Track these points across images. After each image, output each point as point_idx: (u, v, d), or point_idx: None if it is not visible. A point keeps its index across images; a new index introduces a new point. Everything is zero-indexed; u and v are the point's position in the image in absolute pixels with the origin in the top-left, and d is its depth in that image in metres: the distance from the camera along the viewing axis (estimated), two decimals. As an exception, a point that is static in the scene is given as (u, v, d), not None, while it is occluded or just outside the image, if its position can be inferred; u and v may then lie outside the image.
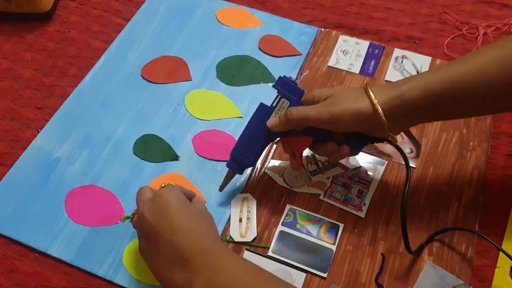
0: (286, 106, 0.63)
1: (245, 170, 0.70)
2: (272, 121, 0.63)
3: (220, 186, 0.68)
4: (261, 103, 0.64)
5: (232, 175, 0.67)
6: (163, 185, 0.60)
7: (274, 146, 0.73)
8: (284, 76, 0.64)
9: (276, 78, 0.81)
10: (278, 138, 0.67)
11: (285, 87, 0.63)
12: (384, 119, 0.57)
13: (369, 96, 0.57)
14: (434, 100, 0.56)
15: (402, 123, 0.60)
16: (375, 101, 0.57)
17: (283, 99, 0.63)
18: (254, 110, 0.65)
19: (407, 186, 0.59)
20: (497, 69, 0.55)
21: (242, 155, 0.65)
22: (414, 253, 0.62)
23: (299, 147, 0.65)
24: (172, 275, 0.51)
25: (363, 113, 0.57)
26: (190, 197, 0.61)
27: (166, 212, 0.54)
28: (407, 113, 0.58)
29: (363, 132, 0.61)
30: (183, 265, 0.51)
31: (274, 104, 0.64)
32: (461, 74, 0.56)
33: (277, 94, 0.64)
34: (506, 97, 0.57)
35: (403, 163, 0.70)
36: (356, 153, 0.65)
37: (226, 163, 0.67)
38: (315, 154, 0.71)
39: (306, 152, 0.72)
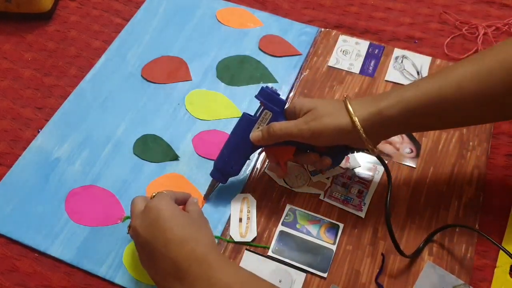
0: (269, 118, 0.63)
1: (245, 170, 0.70)
2: (255, 135, 0.63)
3: (204, 195, 0.68)
4: (244, 114, 0.64)
5: (216, 184, 0.68)
6: (154, 194, 0.60)
7: (274, 146, 0.73)
8: (266, 87, 0.64)
9: (276, 78, 0.81)
10: (262, 148, 0.67)
11: (267, 98, 0.63)
12: (364, 135, 0.58)
13: (349, 112, 0.59)
14: (413, 116, 0.58)
15: (382, 136, 0.62)
16: (355, 118, 0.58)
17: (265, 111, 0.63)
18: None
19: (389, 194, 0.60)
20: (472, 85, 0.56)
21: (226, 165, 0.65)
22: (410, 257, 0.62)
23: (283, 157, 0.66)
24: (171, 286, 0.52)
25: (344, 129, 0.59)
26: (184, 200, 0.61)
27: (157, 224, 0.54)
28: (386, 128, 0.59)
29: (342, 145, 0.63)
30: (180, 278, 0.51)
31: (257, 115, 0.64)
32: (438, 90, 0.57)
33: (259, 104, 0.64)
34: (482, 112, 0.58)
35: (403, 163, 0.71)
36: (337, 164, 0.66)
37: (209, 172, 0.67)
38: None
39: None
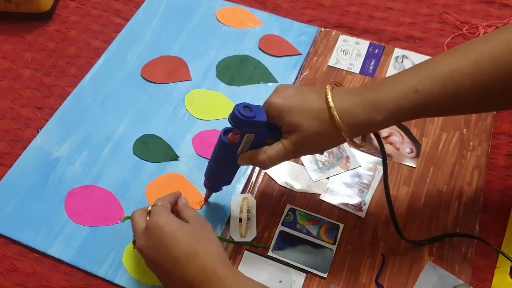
0: (251, 139, 0.57)
1: (245, 170, 0.70)
2: (244, 162, 0.59)
3: (201, 204, 0.67)
4: (220, 139, 0.58)
5: (210, 194, 0.67)
6: (149, 208, 0.58)
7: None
8: (238, 111, 0.55)
9: (276, 77, 0.81)
10: None
11: (244, 125, 0.55)
12: (347, 138, 0.54)
13: (332, 117, 0.53)
14: (406, 116, 0.54)
15: (364, 131, 0.57)
16: (337, 120, 0.53)
17: (247, 135, 0.56)
18: None
19: (385, 170, 0.59)
20: (469, 84, 0.53)
21: (216, 179, 0.64)
22: (409, 242, 0.62)
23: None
24: None
25: (329, 140, 0.56)
26: (175, 199, 0.61)
27: (162, 244, 0.53)
28: (369, 127, 0.55)
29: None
30: None
31: (238, 141, 0.57)
32: (436, 91, 0.53)
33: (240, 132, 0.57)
34: (478, 104, 0.56)
35: (403, 163, 0.71)
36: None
37: (203, 182, 0.65)
38: (316, 154, 0.71)
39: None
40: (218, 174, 0.63)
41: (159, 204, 0.58)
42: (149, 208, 0.58)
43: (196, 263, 0.51)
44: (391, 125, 0.58)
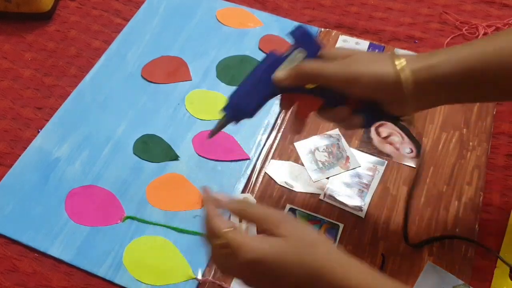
0: (300, 59, 0.54)
1: (245, 170, 0.70)
2: (280, 73, 0.53)
3: (211, 132, 0.59)
4: (271, 52, 0.55)
5: (225, 123, 0.58)
6: (223, 240, 0.46)
7: (274, 146, 0.73)
8: (301, 26, 0.54)
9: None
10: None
11: (303, 38, 0.53)
12: (408, 88, 0.49)
13: (393, 62, 0.50)
14: (468, 77, 0.50)
15: (427, 100, 0.52)
16: (401, 66, 0.49)
17: (298, 49, 0.54)
18: None
19: (418, 174, 0.56)
20: None
21: (241, 102, 0.56)
22: (412, 246, 0.62)
23: (306, 109, 0.57)
24: None
25: (385, 79, 0.50)
26: (239, 208, 0.51)
27: (272, 278, 0.45)
28: (436, 88, 0.51)
29: (378, 103, 0.53)
30: None
31: (286, 55, 0.54)
32: (496, 50, 0.50)
33: (291, 45, 0.55)
34: None
35: (404, 163, 0.71)
36: (368, 126, 0.57)
37: (222, 108, 0.57)
38: (315, 153, 0.71)
39: (307, 150, 0.72)
40: (248, 94, 0.55)
41: (227, 230, 0.47)
42: (220, 241, 0.47)
43: (322, 283, 0.44)
44: (449, 98, 0.53)
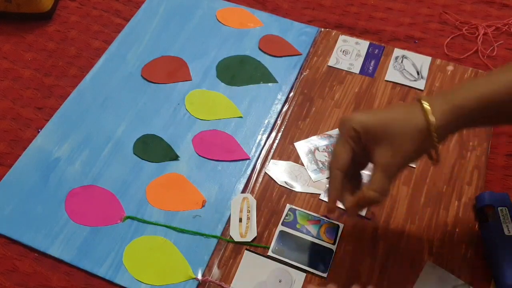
0: (506, 212, 0.62)
1: (245, 170, 0.70)
2: (354, 210, 0.56)
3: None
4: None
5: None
6: None
7: (274, 146, 0.73)
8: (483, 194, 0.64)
9: (276, 78, 0.81)
10: None
11: (491, 200, 0.63)
12: (436, 140, 0.52)
13: (424, 112, 0.51)
14: (487, 108, 0.52)
15: (451, 132, 0.55)
16: (432, 119, 0.51)
17: (499, 209, 0.62)
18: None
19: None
20: None
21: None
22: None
23: None
24: None
25: (417, 139, 0.52)
26: None
27: None
28: (455, 124, 0.53)
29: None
30: None
31: (493, 220, 0.62)
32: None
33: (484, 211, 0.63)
34: None
35: (403, 163, 0.71)
36: None
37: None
38: (315, 153, 0.71)
39: (307, 150, 0.72)
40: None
41: None
42: None
43: None
44: (474, 125, 0.56)
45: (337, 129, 0.73)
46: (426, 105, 0.51)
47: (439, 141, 0.52)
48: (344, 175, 0.55)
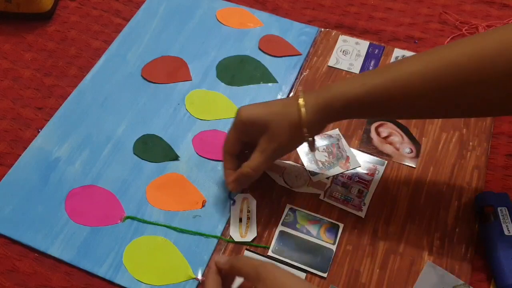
0: (506, 212, 0.62)
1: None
2: (234, 184, 0.65)
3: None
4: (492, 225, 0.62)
5: None
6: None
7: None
8: (484, 193, 0.66)
9: (276, 78, 0.81)
10: None
11: (491, 200, 0.64)
12: (306, 134, 0.60)
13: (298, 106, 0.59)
14: (355, 111, 0.58)
15: (322, 127, 0.62)
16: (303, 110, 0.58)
17: (499, 209, 0.63)
18: None
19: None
20: (418, 83, 0.54)
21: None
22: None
23: None
24: None
25: (292, 133, 0.60)
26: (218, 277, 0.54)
27: None
28: (327, 119, 0.60)
29: None
30: None
31: (493, 220, 0.62)
32: (383, 86, 0.55)
33: (483, 210, 0.64)
34: (428, 106, 0.57)
35: (404, 163, 0.71)
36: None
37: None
38: (315, 153, 0.71)
39: (307, 150, 0.72)
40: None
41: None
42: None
43: None
44: (345, 118, 0.61)
45: (337, 129, 0.74)
46: (301, 101, 0.59)
47: (309, 135, 0.60)
48: (232, 156, 0.65)
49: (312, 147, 0.62)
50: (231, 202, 0.67)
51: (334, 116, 0.59)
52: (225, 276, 0.53)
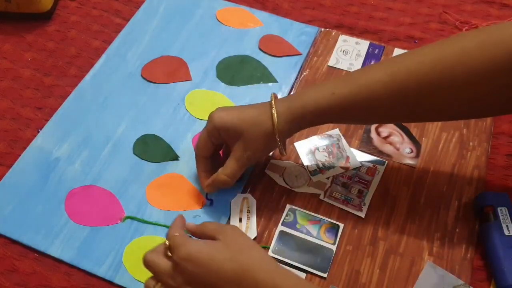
0: (506, 212, 0.62)
1: (246, 171, 0.70)
2: (211, 188, 0.66)
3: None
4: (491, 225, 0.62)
5: None
6: (167, 243, 0.52)
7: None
8: (483, 194, 0.65)
9: (276, 78, 0.81)
10: None
11: (491, 200, 0.64)
12: (278, 139, 0.61)
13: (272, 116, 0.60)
14: (326, 117, 0.60)
15: (292, 132, 0.63)
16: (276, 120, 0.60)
17: (499, 209, 0.63)
18: None
19: None
20: (383, 91, 0.56)
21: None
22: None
23: None
24: None
25: (264, 137, 0.61)
26: (182, 223, 0.56)
27: (202, 273, 0.49)
28: (298, 124, 0.62)
29: None
30: None
31: (493, 220, 0.62)
32: (351, 96, 0.58)
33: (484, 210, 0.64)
34: (395, 113, 0.60)
35: (404, 163, 0.71)
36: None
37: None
38: (315, 153, 0.71)
39: (307, 150, 0.72)
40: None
41: (176, 234, 0.53)
42: (167, 243, 0.52)
43: (248, 281, 0.48)
44: (316, 125, 0.64)
45: (337, 129, 0.74)
46: (274, 111, 0.60)
47: (281, 142, 0.61)
48: (204, 158, 0.66)
49: (282, 151, 0.63)
50: (208, 202, 0.67)
51: (305, 125, 0.62)
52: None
